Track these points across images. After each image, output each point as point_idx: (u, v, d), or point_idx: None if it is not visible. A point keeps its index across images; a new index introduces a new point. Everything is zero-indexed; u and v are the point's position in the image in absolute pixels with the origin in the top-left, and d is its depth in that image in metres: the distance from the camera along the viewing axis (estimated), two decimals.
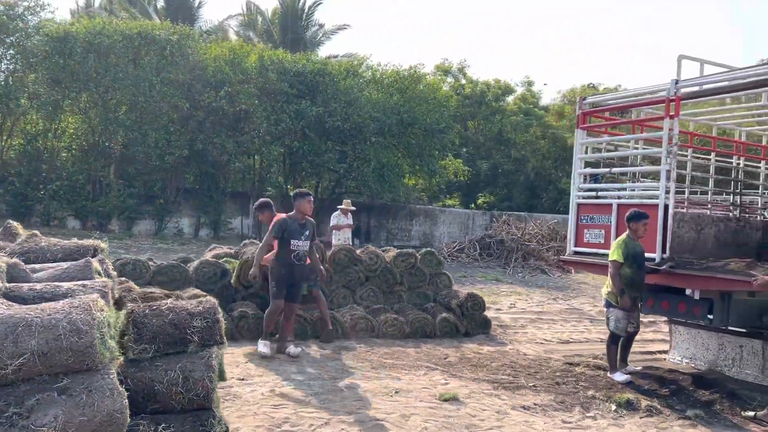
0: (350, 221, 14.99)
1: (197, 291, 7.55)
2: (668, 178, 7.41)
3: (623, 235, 7.22)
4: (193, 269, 8.37)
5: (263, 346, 7.24)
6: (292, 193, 7.56)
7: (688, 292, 7.21)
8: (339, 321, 8.39)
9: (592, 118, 8.88)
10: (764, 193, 10.09)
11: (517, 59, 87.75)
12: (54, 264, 4.28)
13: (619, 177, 8.80)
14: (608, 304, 7.29)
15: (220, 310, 4.00)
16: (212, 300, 4.02)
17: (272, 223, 7.50)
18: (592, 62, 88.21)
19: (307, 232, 7.43)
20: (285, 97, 22.69)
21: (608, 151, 8.85)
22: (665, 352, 8.96)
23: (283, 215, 7.57)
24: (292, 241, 7.28)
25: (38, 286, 3.67)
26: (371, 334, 8.57)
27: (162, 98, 21.34)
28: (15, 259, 3.97)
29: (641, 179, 9.34)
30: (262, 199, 8.83)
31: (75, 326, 3.09)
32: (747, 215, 9.71)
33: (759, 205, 10.24)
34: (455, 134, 27.14)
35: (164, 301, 3.96)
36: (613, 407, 6.11)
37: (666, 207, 7.41)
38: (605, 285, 7.41)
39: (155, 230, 22.75)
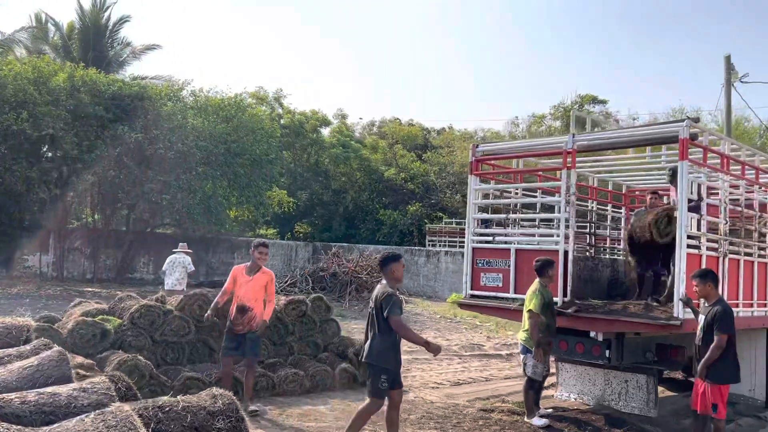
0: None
1: (81, 359, 6.41)
2: (567, 226, 7.83)
3: (536, 284, 7.41)
4: (68, 331, 7.12)
5: None
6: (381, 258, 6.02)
7: (592, 334, 7.63)
8: (240, 381, 7.63)
9: (484, 165, 9.14)
10: (611, 234, 11.13)
11: (330, 91, 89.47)
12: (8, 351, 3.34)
13: (516, 222, 9.13)
14: (525, 350, 7.46)
15: (239, 404, 3.37)
16: (229, 394, 3.37)
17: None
18: (399, 97, 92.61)
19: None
20: (100, 121, 20.68)
21: (503, 197, 9.17)
22: (547, 387, 9.41)
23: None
24: None
25: (31, 396, 2.81)
26: (272, 392, 7.94)
27: None
28: None
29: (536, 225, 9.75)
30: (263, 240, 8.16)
31: None
32: (600, 254, 10.62)
33: (608, 245, 11.27)
34: (282, 165, 26.72)
35: (174, 400, 3.24)
36: None
37: (566, 253, 7.82)
38: (521, 330, 7.58)
39: None
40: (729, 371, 6.40)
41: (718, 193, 7.88)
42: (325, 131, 36.69)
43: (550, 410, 7.91)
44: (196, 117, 23.69)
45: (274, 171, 25.12)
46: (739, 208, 8.01)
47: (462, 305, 8.96)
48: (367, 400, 5.78)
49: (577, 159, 7.99)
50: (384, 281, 5.87)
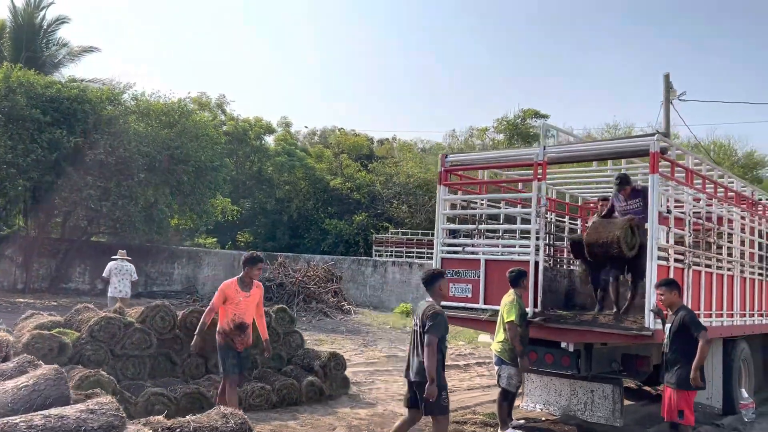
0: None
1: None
2: (538, 237, 7.88)
3: (512, 295, 7.39)
4: (23, 345, 6.65)
5: None
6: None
7: (563, 344, 7.68)
8: (205, 396, 7.32)
9: (453, 175, 9.12)
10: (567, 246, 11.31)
11: (275, 99, 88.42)
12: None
13: (483, 233, 9.13)
14: (500, 362, 7.43)
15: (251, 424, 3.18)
16: (240, 413, 3.18)
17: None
18: (341, 107, 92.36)
19: None
20: (36, 124, 19.73)
21: (471, 207, 9.16)
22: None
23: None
24: None
25: (37, 419, 2.56)
26: (238, 407, 7.63)
27: None
28: None
29: (505, 236, 9.78)
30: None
31: None
32: (558, 265, 10.77)
33: (565, 256, 11.44)
34: (227, 172, 26.16)
35: (184, 420, 3.03)
36: None
37: (536, 264, 7.86)
38: (495, 342, 7.54)
39: None
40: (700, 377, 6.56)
41: (683, 206, 8.08)
42: (269, 139, 36.22)
43: (522, 422, 7.91)
44: (139, 122, 22.97)
45: (218, 178, 24.54)
46: (700, 221, 8.25)
47: None
48: (434, 420, 5.83)
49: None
50: (429, 298, 5.93)
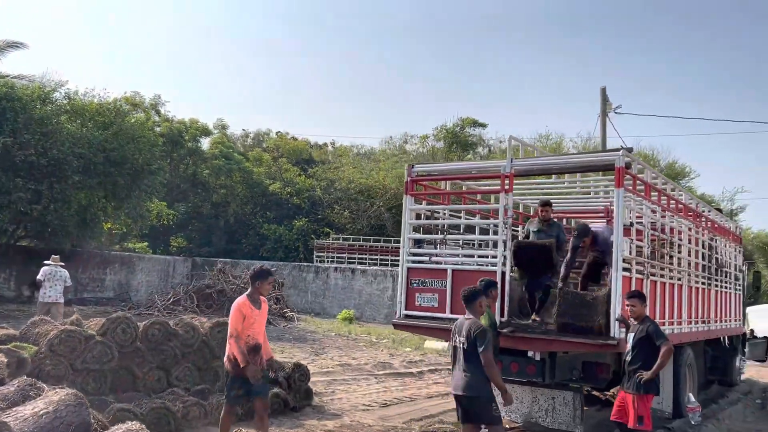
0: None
1: None
2: (504, 247, 8.02)
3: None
4: None
5: None
6: None
7: (530, 353, 7.84)
8: (172, 411, 7.07)
9: (420, 186, 9.16)
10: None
11: (210, 100, 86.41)
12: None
13: (445, 242, 9.19)
14: None
15: None
16: None
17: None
18: (278, 110, 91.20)
19: None
20: None
21: (435, 217, 9.22)
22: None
23: None
24: None
25: None
26: (205, 422, 7.43)
27: None
28: None
29: (467, 246, 9.83)
30: None
31: None
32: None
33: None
34: (165, 175, 25.41)
35: None
36: None
37: (503, 274, 8.01)
38: None
39: None
40: (654, 382, 6.86)
41: (641, 219, 8.39)
42: (205, 142, 35.40)
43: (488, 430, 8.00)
44: (72, 122, 22.00)
45: (155, 182, 23.80)
46: (656, 233, 8.59)
47: (396, 326, 8.88)
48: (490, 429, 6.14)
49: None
50: (469, 314, 6.08)
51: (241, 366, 6.00)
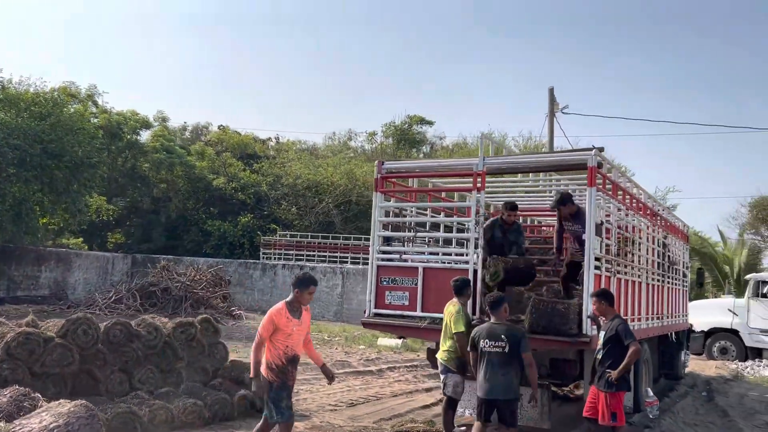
0: None
1: None
2: (476, 246, 8.02)
3: (456, 305, 7.40)
4: None
5: None
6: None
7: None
8: (138, 416, 6.75)
9: (389, 183, 9.06)
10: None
11: (150, 92, 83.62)
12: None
13: (413, 240, 9.14)
14: (446, 370, 7.45)
15: None
16: None
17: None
18: (220, 104, 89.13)
19: None
20: None
21: (403, 215, 9.14)
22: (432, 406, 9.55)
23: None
24: None
25: None
26: (170, 426, 7.13)
27: None
28: None
29: (436, 244, 9.80)
30: None
31: None
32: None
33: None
34: (105, 169, 24.47)
35: None
36: None
37: (475, 272, 8.00)
38: (441, 350, 7.55)
39: None
40: (625, 379, 6.99)
41: (608, 217, 8.54)
42: (145, 134, 34.27)
43: (464, 428, 7.99)
44: (6, 111, 20.93)
45: (95, 175, 22.91)
46: (621, 231, 8.77)
47: (366, 324, 8.76)
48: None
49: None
50: (495, 319, 6.34)
51: (251, 376, 5.69)
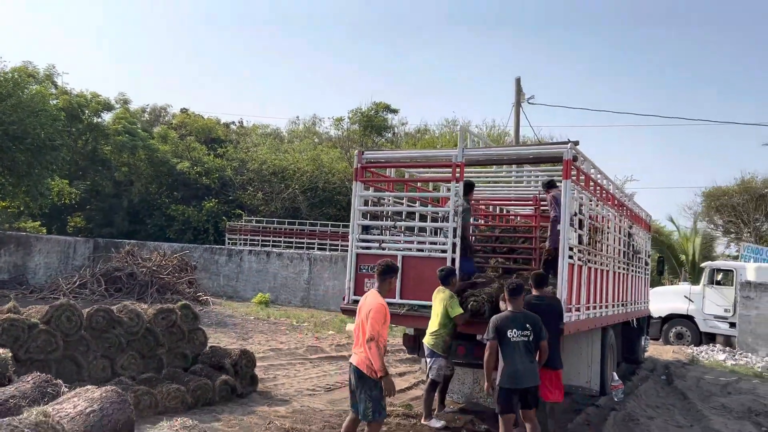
0: None
1: None
2: (454, 235, 8.24)
3: (447, 291, 7.65)
4: None
5: None
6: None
7: (479, 337, 8.11)
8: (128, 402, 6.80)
9: (368, 172, 9.19)
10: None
11: (110, 74, 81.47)
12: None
13: (393, 229, 9.31)
14: (432, 354, 7.70)
15: None
16: None
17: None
18: (183, 87, 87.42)
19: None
20: None
21: (382, 204, 9.30)
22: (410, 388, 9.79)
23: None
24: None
25: None
26: (155, 411, 7.20)
27: None
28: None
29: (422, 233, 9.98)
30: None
31: None
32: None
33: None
34: (67, 152, 23.97)
35: None
36: None
37: (453, 260, 8.22)
38: (428, 335, 7.75)
39: None
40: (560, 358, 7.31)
41: (581, 208, 8.84)
42: (107, 117, 33.56)
43: (458, 418, 8.24)
44: None
45: (58, 158, 22.45)
46: (592, 222, 9.09)
47: (345, 311, 8.91)
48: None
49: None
50: (511, 307, 6.48)
51: (378, 375, 5.41)
